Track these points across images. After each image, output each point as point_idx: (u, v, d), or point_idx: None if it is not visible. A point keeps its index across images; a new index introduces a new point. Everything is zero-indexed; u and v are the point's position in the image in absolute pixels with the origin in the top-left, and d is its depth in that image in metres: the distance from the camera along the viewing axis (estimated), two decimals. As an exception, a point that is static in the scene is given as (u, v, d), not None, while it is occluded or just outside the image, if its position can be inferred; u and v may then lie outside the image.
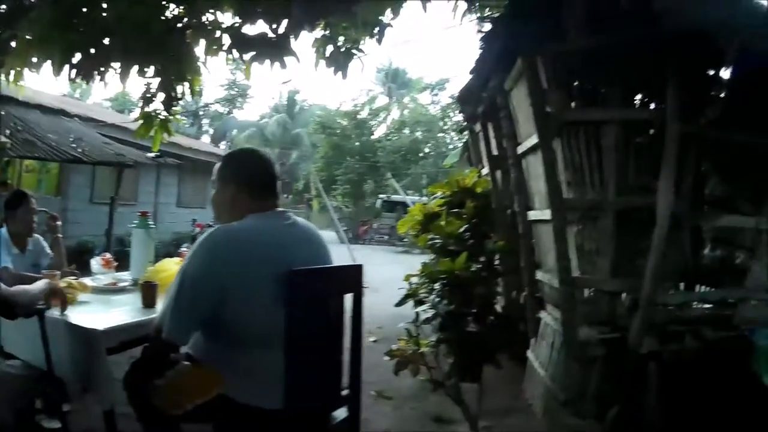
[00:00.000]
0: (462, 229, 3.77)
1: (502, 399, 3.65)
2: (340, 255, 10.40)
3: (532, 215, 3.47)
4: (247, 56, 3.87)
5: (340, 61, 4.31)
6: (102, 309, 2.32)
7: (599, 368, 2.88)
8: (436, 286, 3.31)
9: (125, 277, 2.89)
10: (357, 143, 26.16)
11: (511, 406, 3.59)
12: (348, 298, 1.78)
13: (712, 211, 3.32)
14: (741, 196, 3.52)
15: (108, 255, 3.26)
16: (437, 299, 3.29)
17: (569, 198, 2.98)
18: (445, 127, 27.66)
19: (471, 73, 4.44)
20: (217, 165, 1.77)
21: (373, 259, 13.10)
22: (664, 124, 2.75)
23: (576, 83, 3.50)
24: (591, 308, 2.97)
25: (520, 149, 3.50)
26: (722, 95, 3.56)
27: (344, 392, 1.79)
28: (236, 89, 33.04)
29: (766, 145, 3.02)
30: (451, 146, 24.00)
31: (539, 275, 3.50)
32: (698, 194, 3.74)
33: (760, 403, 2.58)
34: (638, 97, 3.58)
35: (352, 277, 1.83)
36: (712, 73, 3.56)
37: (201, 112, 33.38)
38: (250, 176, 1.70)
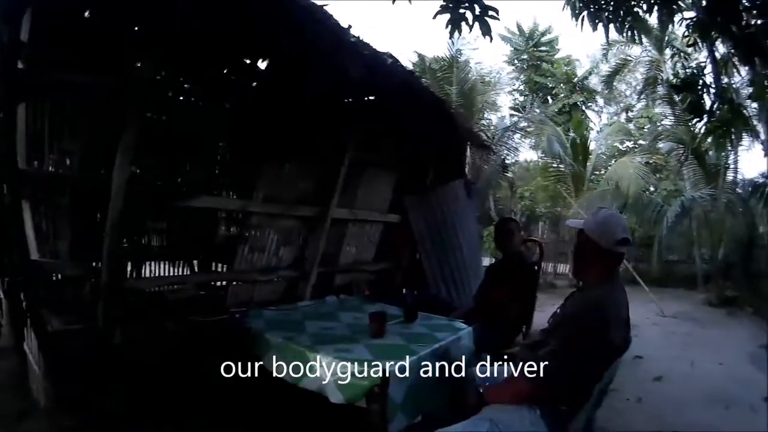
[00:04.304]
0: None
1: (16, 401, 3.13)
2: None
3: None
4: None
5: None
6: None
7: (77, 361, 2.55)
8: None
9: None
10: None
11: (26, 408, 3.04)
12: None
13: (189, 191, 3.18)
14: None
15: None
16: None
17: (24, 169, 2.52)
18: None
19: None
20: None
21: None
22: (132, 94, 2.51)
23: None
24: (57, 295, 2.61)
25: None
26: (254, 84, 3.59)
27: None
28: None
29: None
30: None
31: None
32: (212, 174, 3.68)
33: (259, 385, 2.50)
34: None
35: None
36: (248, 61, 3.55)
37: None
38: None
